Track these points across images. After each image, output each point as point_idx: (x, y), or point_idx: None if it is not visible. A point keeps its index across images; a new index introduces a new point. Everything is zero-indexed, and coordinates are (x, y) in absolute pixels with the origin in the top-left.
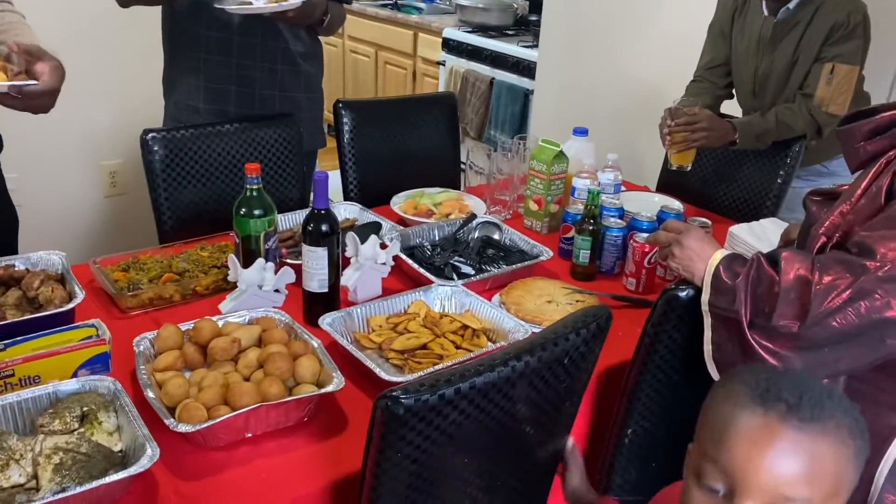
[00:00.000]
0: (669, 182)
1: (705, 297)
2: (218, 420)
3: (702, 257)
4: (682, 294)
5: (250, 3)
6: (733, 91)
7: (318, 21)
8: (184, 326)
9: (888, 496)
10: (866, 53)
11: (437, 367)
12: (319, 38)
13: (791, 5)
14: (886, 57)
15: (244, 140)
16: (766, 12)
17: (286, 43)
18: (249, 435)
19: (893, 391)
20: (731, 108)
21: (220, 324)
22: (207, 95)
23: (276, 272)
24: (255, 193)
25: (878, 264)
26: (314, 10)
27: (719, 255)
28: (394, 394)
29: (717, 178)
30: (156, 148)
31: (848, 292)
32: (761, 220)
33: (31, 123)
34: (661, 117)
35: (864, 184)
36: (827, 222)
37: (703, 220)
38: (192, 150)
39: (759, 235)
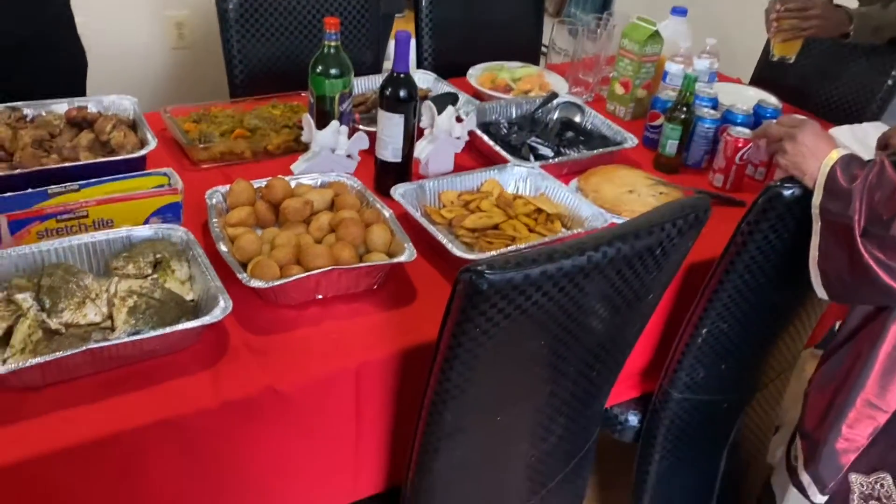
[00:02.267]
0: (766, 75)
1: (816, 199)
2: (291, 279)
3: (816, 155)
4: (787, 192)
5: None
6: None
7: None
8: (256, 184)
9: None
10: None
11: (508, 249)
12: None
13: None
14: None
15: None
16: None
17: None
18: (320, 297)
19: None
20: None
21: (293, 184)
22: None
23: (349, 137)
24: (332, 51)
25: None
26: None
27: (836, 154)
28: (479, 268)
29: (819, 75)
30: None
31: None
32: (863, 124)
33: None
34: (770, 1)
35: None
36: None
37: (803, 118)
38: (268, 2)
39: (860, 140)
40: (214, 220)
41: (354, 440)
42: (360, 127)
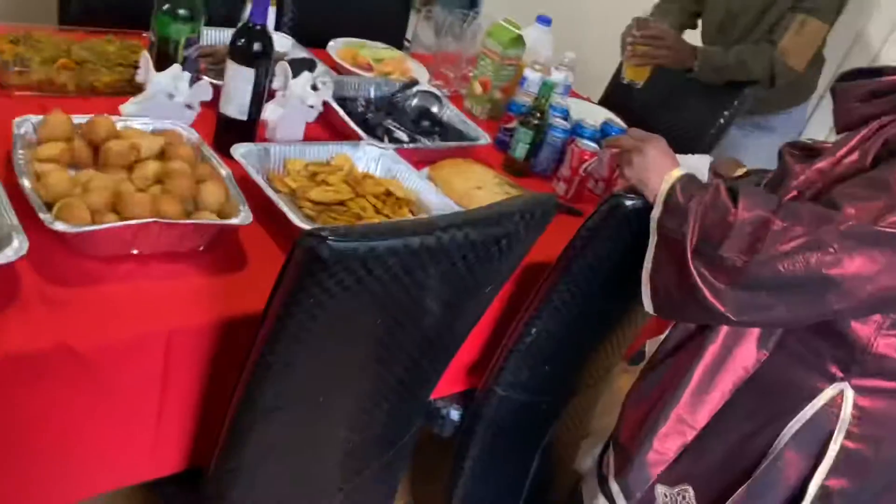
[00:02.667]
0: (613, 99)
1: (656, 213)
2: (103, 227)
3: (660, 171)
4: (629, 203)
5: None
6: (699, 21)
7: None
8: (76, 119)
9: (789, 452)
10: (838, 16)
11: None
12: None
13: None
14: (849, 23)
15: None
16: None
17: None
18: (136, 252)
19: (823, 354)
20: (691, 38)
21: (119, 126)
22: None
23: (191, 85)
24: None
25: (842, 219)
26: None
27: (678, 172)
28: (322, 233)
29: (661, 104)
30: None
31: (804, 239)
32: (691, 156)
33: None
34: (627, 26)
35: (852, 143)
36: (802, 177)
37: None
38: None
39: (689, 168)
40: (21, 151)
41: (157, 412)
42: (206, 77)
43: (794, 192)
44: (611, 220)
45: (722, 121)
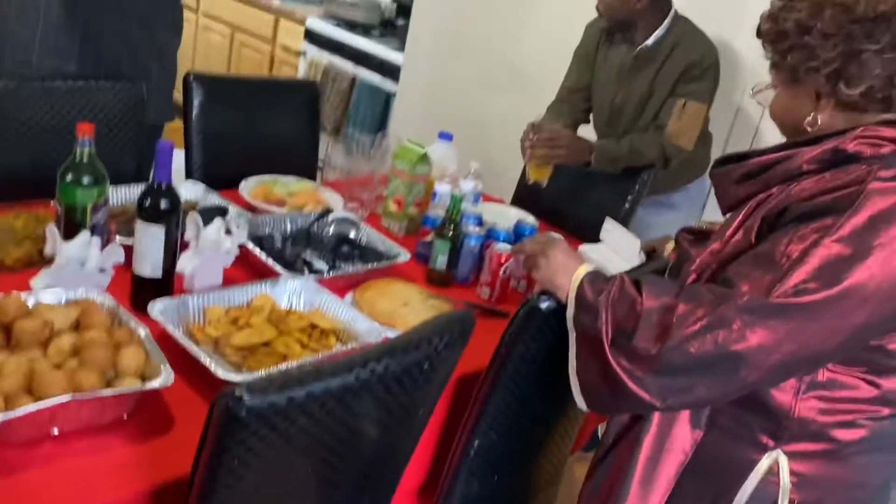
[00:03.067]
0: (525, 197)
1: (570, 312)
2: (18, 413)
3: (566, 271)
4: (544, 305)
5: None
6: (591, 116)
7: None
8: None
9: None
10: (714, 95)
11: (278, 368)
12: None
13: (650, 41)
14: (728, 99)
15: (77, 101)
16: (627, 46)
17: (141, 6)
18: (56, 432)
19: (752, 426)
20: (586, 132)
21: (31, 303)
22: (45, 49)
23: (102, 249)
24: (85, 158)
25: (739, 296)
26: None
27: (583, 270)
28: (236, 393)
29: (569, 197)
30: None
31: (707, 319)
32: (621, 238)
33: None
34: (524, 131)
35: (735, 224)
36: (698, 260)
37: (557, 235)
38: (16, 105)
39: (605, 256)
40: None
41: None
42: (117, 238)
43: (694, 276)
44: (530, 323)
45: (627, 205)
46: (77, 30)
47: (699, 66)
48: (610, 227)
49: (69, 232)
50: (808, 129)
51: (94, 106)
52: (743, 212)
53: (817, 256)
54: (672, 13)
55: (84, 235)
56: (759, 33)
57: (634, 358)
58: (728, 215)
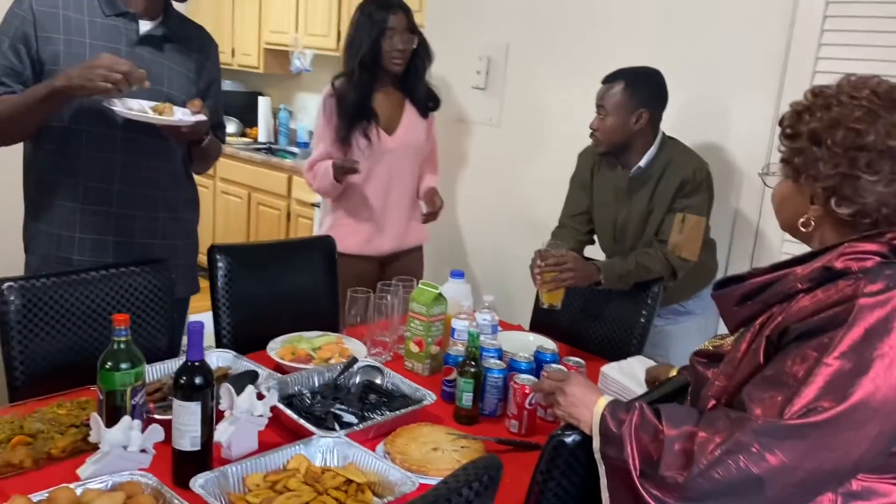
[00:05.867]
0: (541, 320)
1: (596, 445)
2: None
3: (586, 404)
4: (569, 440)
5: (145, 112)
6: (594, 237)
7: (199, 140)
8: (35, 497)
9: None
10: (711, 205)
11: None
12: (194, 180)
13: (642, 163)
14: (725, 204)
15: (110, 288)
16: (621, 168)
17: (167, 190)
18: None
19: None
20: (592, 252)
21: (79, 492)
22: (83, 246)
23: (143, 430)
24: (122, 346)
25: (753, 419)
26: (204, 126)
27: (603, 401)
28: None
29: (585, 317)
30: (12, 298)
31: (726, 444)
32: (629, 359)
33: None
34: (532, 259)
35: (744, 347)
36: (715, 385)
37: (578, 359)
38: (54, 298)
39: (628, 374)
40: None
41: None
42: (157, 416)
43: (713, 402)
44: (558, 459)
45: (643, 319)
46: (112, 225)
47: (692, 181)
48: (608, 370)
49: (111, 416)
50: (802, 228)
51: (127, 289)
52: (749, 333)
53: (822, 375)
54: (661, 135)
55: (126, 420)
56: (781, 122)
57: (664, 487)
58: (737, 334)
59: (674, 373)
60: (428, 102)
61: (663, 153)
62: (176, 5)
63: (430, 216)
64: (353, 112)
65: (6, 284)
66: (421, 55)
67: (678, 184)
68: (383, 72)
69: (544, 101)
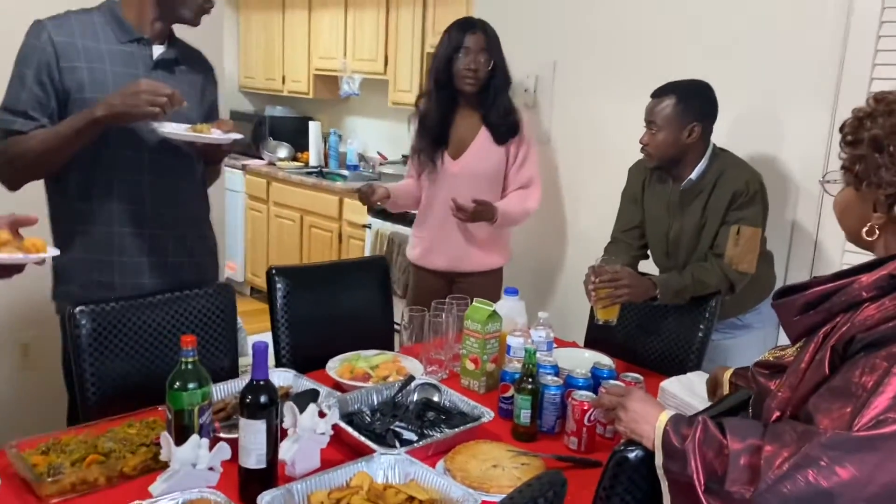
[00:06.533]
0: (597, 336)
1: (658, 460)
2: None
3: (647, 419)
4: (632, 455)
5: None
6: (648, 251)
7: (221, 158)
8: None
9: None
10: (766, 216)
11: None
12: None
13: (693, 176)
14: (781, 215)
15: (175, 310)
16: (672, 181)
17: (191, 208)
18: None
19: None
20: (646, 267)
21: None
22: (123, 269)
23: (210, 448)
24: (190, 366)
25: (821, 432)
26: (236, 144)
27: (665, 416)
28: None
29: (641, 333)
30: (83, 322)
31: (794, 458)
32: (689, 374)
33: None
34: (585, 275)
35: (808, 357)
36: (779, 396)
37: (636, 375)
38: (122, 322)
39: (689, 389)
40: None
41: None
42: (222, 435)
43: (777, 413)
44: (621, 476)
45: (700, 334)
46: (146, 246)
47: (745, 193)
48: (668, 386)
49: (179, 435)
50: (866, 236)
51: (192, 311)
52: (813, 343)
53: (892, 385)
54: (711, 147)
55: (194, 439)
56: (842, 128)
57: (730, 502)
58: (798, 344)
59: (729, 373)
60: (502, 128)
61: (715, 165)
62: (181, 28)
63: (460, 210)
64: (425, 131)
65: (78, 309)
66: (497, 77)
67: (731, 196)
68: (458, 92)
69: (594, 115)
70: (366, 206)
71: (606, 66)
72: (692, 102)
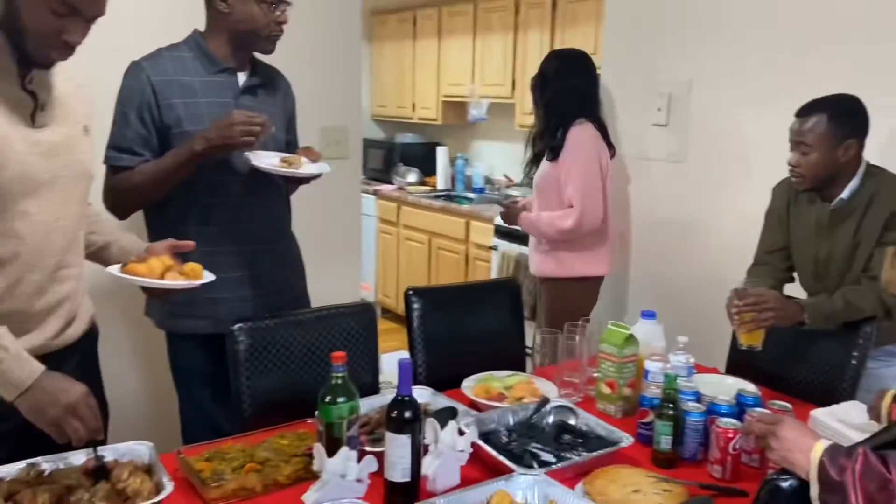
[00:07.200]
0: (740, 361)
1: (814, 492)
2: None
3: (802, 449)
4: (785, 484)
5: (274, 163)
6: (793, 274)
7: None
8: None
9: None
10: None
11: None
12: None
13: (845, 195)
14: None
15: (323, 328)
16: (820, 201)
17: (280, 220)
18: None
19: None
20: (793, 290)
21: None
22: (226, 285)
23: (357, 460)
24: (340, 381)
25: None
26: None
27: (820, 446)
28: None
29: (789, 359)
30: (242, 338)
31: None
32: (843, 404)
33: None
34: (728, 298)
35: None
36: None
37: (784, 403)
38: (276, 338)
39: (843, 420)
40: None
41: None
42: (367, 448)
43: None
44: None
45: (854, 362)
46: (246, 261)
47: None
48: (819, 415)
49: (329, 447)
50: None
51: (338, 329)
52: None
53: None
54: (864, 164)
55: (344, 451)
56: None
57: None
58: None
59: (889, 396)
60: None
61: (868, 183)
62: (262, 58)
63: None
64: None
65: (237, 326)
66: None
67: (887, 216)
68: None
69: (732, 134)
70: (507, 223)
71: (745, 82)
72: (845, 118)
